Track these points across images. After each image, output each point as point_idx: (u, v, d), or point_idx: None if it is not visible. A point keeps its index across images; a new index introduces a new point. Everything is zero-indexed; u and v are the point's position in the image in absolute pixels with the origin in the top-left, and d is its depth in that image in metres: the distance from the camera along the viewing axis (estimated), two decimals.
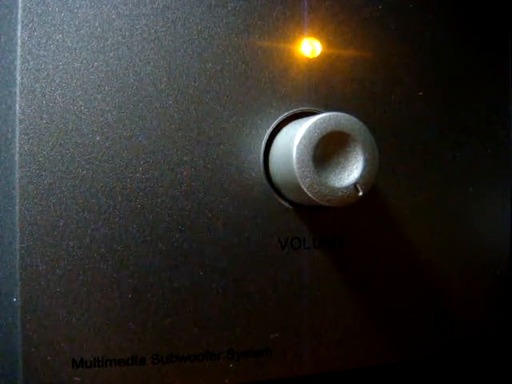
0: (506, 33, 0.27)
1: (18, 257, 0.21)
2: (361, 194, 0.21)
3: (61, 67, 0.21)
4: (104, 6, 0.21)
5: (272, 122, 0.23)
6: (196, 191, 0.22)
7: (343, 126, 0.21)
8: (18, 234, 0.21)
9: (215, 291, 0.23)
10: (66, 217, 0.21)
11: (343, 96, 0.24)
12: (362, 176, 0.21)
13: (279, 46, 0.23)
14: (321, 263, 0.24)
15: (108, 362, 0.21)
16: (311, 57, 0.24)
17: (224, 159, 0.23)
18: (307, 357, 0.24)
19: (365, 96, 0.24)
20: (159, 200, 0.22)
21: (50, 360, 0.21)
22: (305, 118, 0.22)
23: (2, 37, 0.21)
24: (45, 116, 0.21)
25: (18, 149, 0.21)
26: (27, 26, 0.21)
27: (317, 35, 0.24)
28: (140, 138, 0.22)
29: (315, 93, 0.24)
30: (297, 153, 0.20)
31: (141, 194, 0.22)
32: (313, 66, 0.24)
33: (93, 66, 0.21)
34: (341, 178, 0.21)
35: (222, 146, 0.23)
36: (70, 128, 0.21)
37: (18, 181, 0.21)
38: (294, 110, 0.23)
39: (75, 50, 0.21)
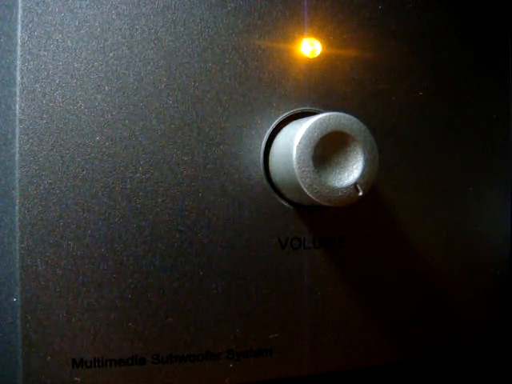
0: (506, 33, 0.27)
1: (17, 257, 0.21)
2: (361, 194, 0.21)
3: (61, 67, 0.21)
4: (104, 6, 0.21)
5: (272, 122, 0.23)
6: (196, 191, 0.22)
7: (343, 125, 0.21)
8: (18, 234, 0.21)
9: (215, 291, 0.23)
10: (66, 217, 0.21)
11: (343, 96, 0.24)
12: (362, 176, 0.21)
13: (279, 45, 0.23)
14: (321, 263, 0.24)
15: (108, 362, 0.21)
16: (311, 57, 0.24)
17: (224, 159, 0.23)
18: (307, 357, 0.24)
19: (365, 96, 0.24)
20: (159, 200, 0.22)
21: (50, 360, 0.21)
22: (305, 118, 0.22)
23: (2, 37, 0.21)
24: (45, 116, 0.21)
25: (17, 149, 0.21)
26: (27, 26, 0.21)
27: (317, 35, 0.24)
28: (140, 138, 0.22)
29: (315, 93, 0.24)
30: (297, 153, 0.20)
31: (141, 193, 0.22)
32: (313, 66, 0.24)
33: (93, 66, 0.21)
34: (341, 178, 0.21)
35: (221, 146, 0.23)
36: (70, 128, 0.21)
37: (17, 181, 0.21)
38: (294, 110, 0.23)
39: (75, 49, 0.21)
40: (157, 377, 0.22)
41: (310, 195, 0.21)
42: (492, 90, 0.27)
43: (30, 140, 0.21)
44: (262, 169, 0.23)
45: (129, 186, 0.22)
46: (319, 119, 0.21)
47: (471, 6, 0.26)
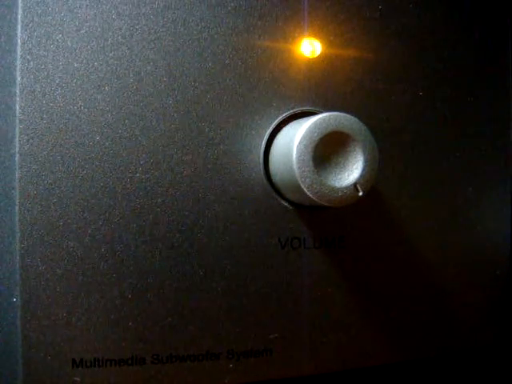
0: (506, 32, 0.27)
1: (18, 257, 0.21)
2: (361, 194, 0.21)
3: (61, 67, 0.21)
4: (104, 6, 0.21)
5: (272, 122, 0.23)
6: (196, 191, 0.22)
7: (343, 125, 0.21)
8: (18, 234, 0.21)
9: (215, 291, 0.23)
10: (66, 217, 0.21)
11: (343, 96, 0.24)
12: (361, 176, 0.21)
13: (279, 45, 0.23)
14: (321, 263, 0.24)
15: (108, 362, 0.21)
16: (311, 57, 0.24)
17: (224, 159, 0.23)
18: (307, 357, 0.24)
19: (365, 96, 0.24)
20: (159, 200, 0.22)
21: (50, 360, 0.21)
22: (305, 118, 0.22)
23: (2, 37, 0.21)
24: (45, 116, 0.21)
25: (17, 149, 0.21)
26: (27, 25, 0.21)
27: (317, 35, 0.24)
28: (140, 138, 0.22)
29: (315, 93, 0.24)
30: (297, 153, 0.20)
31: (141, 193, 0.22)
32: (313, 66, 0.24)
33: (93, 66, 0.21)
34: (341, 178, 0.21)
35: (221, 146, 0.23)
36: (70, 128, 0.21)
37: (18, 181, 0.21)
38: (294, 110, 0.23)
39: (75, 49, 0.21)
40: (157, 377, 0.22)
41: (310, 195, 0.21)
42: (492, 89, 0.27)
43: (30, 140, 0.21)
44: (261, 169, 0.23)
45: (129, 186, 0.22)
46: (319, 119, 0.21)
47: (471, 5, 0.26)
